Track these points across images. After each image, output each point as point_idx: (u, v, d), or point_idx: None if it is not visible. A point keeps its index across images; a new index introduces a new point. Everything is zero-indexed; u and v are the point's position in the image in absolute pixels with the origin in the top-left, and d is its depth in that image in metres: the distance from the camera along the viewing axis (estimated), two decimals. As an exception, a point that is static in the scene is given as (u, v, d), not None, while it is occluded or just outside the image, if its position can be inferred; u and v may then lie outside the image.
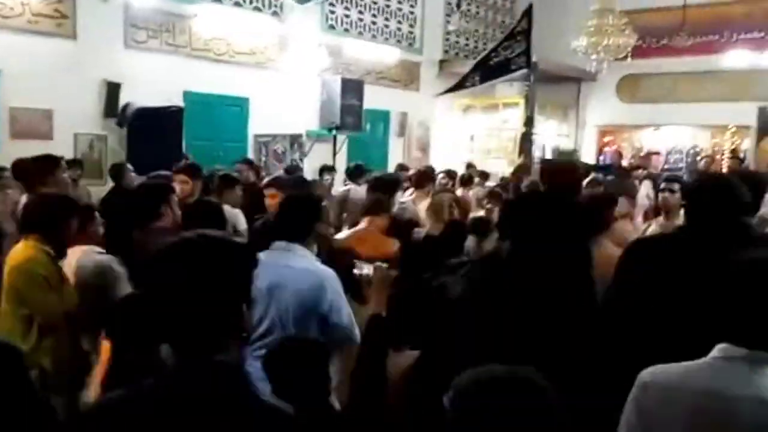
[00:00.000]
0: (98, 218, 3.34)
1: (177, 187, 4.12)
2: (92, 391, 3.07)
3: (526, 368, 1.16)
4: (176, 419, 1.14)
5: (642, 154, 11.91)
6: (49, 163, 4.38)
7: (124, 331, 1.87)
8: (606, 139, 13.37)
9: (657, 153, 11.85)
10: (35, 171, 4.30)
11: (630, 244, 2.59)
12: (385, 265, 2.51)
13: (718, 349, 1.56)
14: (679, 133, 12.54)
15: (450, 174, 7.45)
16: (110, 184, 6.75)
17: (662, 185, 4.50)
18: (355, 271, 2.56)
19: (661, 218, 4.55)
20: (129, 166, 6.10)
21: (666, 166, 12.06)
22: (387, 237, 3.99)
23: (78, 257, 3.13)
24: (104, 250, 3.21)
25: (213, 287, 1.17)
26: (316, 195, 3.20)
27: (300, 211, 2.88)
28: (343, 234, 4.19)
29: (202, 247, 1.21)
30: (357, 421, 2.15)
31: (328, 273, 2.74)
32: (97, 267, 3.09)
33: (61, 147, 6.90)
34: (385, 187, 4.78)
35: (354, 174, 7.31)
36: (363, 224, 4.14)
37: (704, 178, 2.71)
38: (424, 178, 6.54)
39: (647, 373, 1.62)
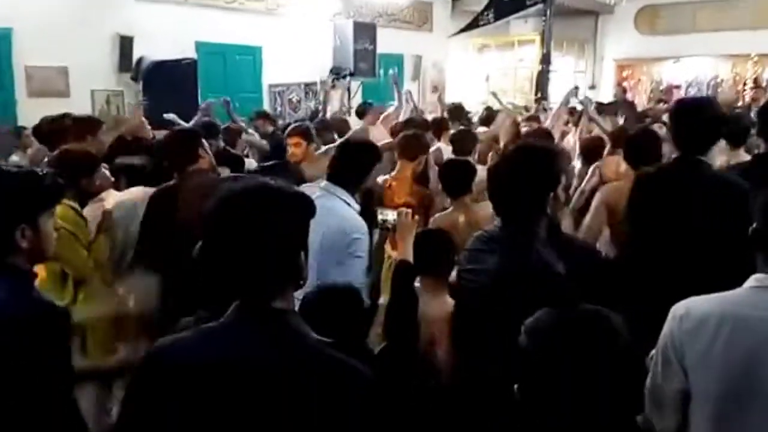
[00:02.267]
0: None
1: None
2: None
3: (599, 308, 1.18)
4: (239, 366, 1.17)
5: (662, 87, 11.69)
6: (90, 122, 4.38)
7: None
8: (624, 74, 13.10)
9: (677, 87, 11.61)
10: (75, 131, 4.27)
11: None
12: (408, 210, 2.50)
13: (754, 279, 1.54)
14: (700, 64, 12.25)
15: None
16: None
17: None
18: (380, 217, 2.55)
19: None
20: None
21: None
22: (415, 186, 3.84)
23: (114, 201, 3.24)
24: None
25: (273, 235, 1.18)
26: (375, 145, 3.11)
27: (358, 159, 2.84)
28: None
29: (263, 195, 1.21)
30: (391, 365, 2.20)
31: (361, 226, 2.71)
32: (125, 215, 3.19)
33: (78, 104, 6.92)
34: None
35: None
36: (396, 171, 3.96)
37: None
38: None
39: (681, 306, 1.60)
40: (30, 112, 6.00)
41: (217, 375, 1.17)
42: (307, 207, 1.27)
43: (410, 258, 2.34)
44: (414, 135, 4.11)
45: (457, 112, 6.79)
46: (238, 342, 1.19)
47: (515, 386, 1.13)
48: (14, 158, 5.50)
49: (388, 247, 2.79)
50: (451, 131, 5.21)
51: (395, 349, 2.27)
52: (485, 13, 10.78)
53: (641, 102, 11.82)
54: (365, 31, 9.52)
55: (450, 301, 2.38)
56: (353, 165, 2.81)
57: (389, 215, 2.53)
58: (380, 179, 3.92)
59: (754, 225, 1.57)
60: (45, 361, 1.49)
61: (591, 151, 4.70)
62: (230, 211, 1.20)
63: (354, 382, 1.20)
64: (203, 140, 3.22)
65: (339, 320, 2.04)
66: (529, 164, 1.85)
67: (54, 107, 5.96)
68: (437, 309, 2.38)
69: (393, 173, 3.94)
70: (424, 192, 3.85)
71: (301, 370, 1.18)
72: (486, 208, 3.31)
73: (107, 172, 3.39)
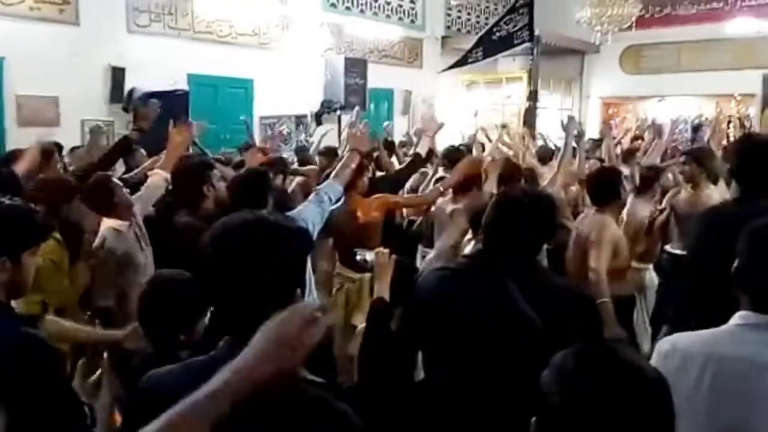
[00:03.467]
0: (119, 190, 3.23)
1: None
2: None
3: (629, 349, 1.09)
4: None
5: (650, 123, 11.82)
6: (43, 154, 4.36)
7: (165, 311, 1.89)
8: (610, 111, 13.32)
9: (659, 125, 11.72)
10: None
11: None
12: (386, 250, 2.50)
13: (739, 317, 1.54)
14: (684, 103, 12.48)
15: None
16: (120, 169, 6.75)
17: (684, 158, 4.65)
18: (358, 257, 2.57)
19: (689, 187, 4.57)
20: (140, 148, 6.08)
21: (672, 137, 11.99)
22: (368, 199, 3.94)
23: (101, 231, 3.14)
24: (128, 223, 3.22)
25: (270, 270, 1.15)
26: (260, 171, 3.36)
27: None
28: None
29: (260, 229, 1.19)
30: (366, 401, 2.17)
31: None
32: (106, 250, 3.10)
33: (69, 134, 6.92)
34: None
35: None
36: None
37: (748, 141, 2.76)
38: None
39: (667, 342, 1.60)
40: (19, 141, 5.96)
41: None
42: (305, 242, 1.24)
43: (386, 296, 2.32)
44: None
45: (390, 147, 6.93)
46: None
47: (533, 420, 1.07)
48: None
49: None
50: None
51: (367, 386, 2.25)
52: (474, 51, 10.97)
53: (626, 139, 11.98)
54: (356, 66, 9.66)
55: None
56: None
57: (367, 255, 2.55)
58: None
59: (736, 263, 1.57)
60: (35, 390, 1.45)
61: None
62: (226, 246, 1.17)
63: (341, 426, 1.16)
64: (211, 173, 3.22)
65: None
66: (539, 212, 1.86)
67: (42, 137, 5.96)
68: None
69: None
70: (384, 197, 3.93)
71: (289, 411, 1.14)
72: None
73: (128, 194, 3.32)
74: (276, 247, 1.17)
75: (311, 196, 3.10)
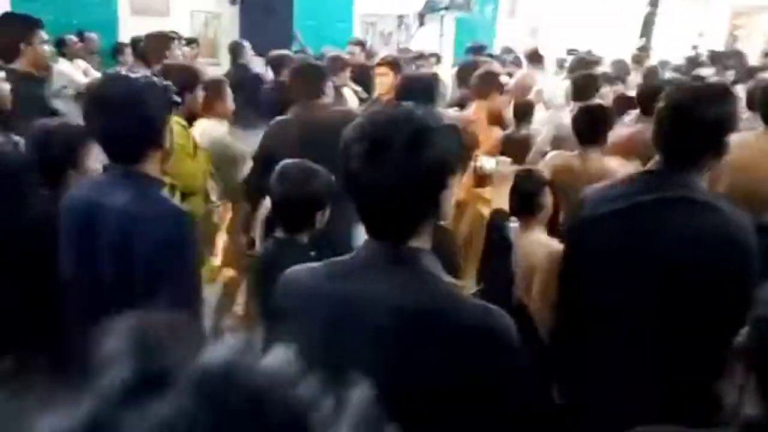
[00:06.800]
0: (229, 93, 3.40)
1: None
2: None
3: None
4: (366, 305, 1.12)
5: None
6: (163, 40, 4.42)
7: (302, 198, 1.96)
8: (738, 22, 12.11)
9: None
10: (151, 48, 4.35)
11: None
12: (508, 159, 2.39)
13: None
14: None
15: None
16: (225, 62, 6.85)
17: None
18: (477, 162, 2.45)
19: None
20: (246, 43, 6.10)
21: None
22: (491, 126, 3.71)
23: (202, 129, 3.23)
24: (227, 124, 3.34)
25: (419, 170, 1.08)
26: (433, 76, 3.16)
27: (419, 92, 2.84)
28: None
29: (411, 124, 1.10)
30: None
31: None
32: (213, 143, 3.19)
33: (178, 24, 7.01)
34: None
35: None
36: (471, 109, 3.81)
37: None
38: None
39: None
40: (131, 29, 6.12)
41: (345, 311, 1.13)
42: (453, 141, 1.15)
43: (505, 207, 2.27)
44: (487, 72, 4.00)
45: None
46: (368, 280, 1.14)
47: (745, 329, 1.00)
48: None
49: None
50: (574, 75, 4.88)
51: (488, 293, 2.26)
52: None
53: (754, 55, 10.94)
54: (464, -37, 9.17)
55: (546, 240, 2.33)
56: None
57: (486, 162, 2.45)
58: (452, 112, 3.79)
59: None
60: (172, 255, 1.54)
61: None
62: (373, 142, 1.10)
63: (497, 329, 1.11)
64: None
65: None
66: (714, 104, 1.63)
67: (154, 26, 6.07)
68: (531, 246, 2.33)
69: (469, 113, 3.78)
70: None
71: (432, 314, 1.10)
72: (612, 161, 3.11)
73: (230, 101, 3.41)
74: (427, 144, 1.09)
75: None
